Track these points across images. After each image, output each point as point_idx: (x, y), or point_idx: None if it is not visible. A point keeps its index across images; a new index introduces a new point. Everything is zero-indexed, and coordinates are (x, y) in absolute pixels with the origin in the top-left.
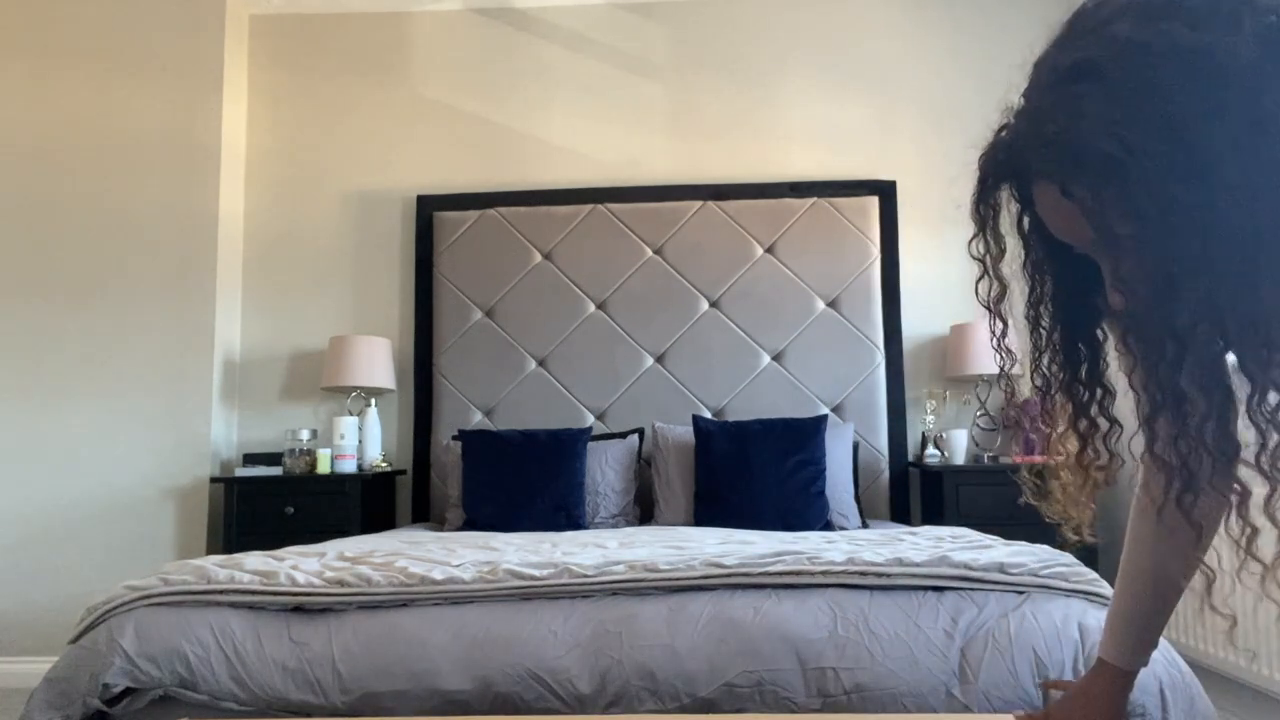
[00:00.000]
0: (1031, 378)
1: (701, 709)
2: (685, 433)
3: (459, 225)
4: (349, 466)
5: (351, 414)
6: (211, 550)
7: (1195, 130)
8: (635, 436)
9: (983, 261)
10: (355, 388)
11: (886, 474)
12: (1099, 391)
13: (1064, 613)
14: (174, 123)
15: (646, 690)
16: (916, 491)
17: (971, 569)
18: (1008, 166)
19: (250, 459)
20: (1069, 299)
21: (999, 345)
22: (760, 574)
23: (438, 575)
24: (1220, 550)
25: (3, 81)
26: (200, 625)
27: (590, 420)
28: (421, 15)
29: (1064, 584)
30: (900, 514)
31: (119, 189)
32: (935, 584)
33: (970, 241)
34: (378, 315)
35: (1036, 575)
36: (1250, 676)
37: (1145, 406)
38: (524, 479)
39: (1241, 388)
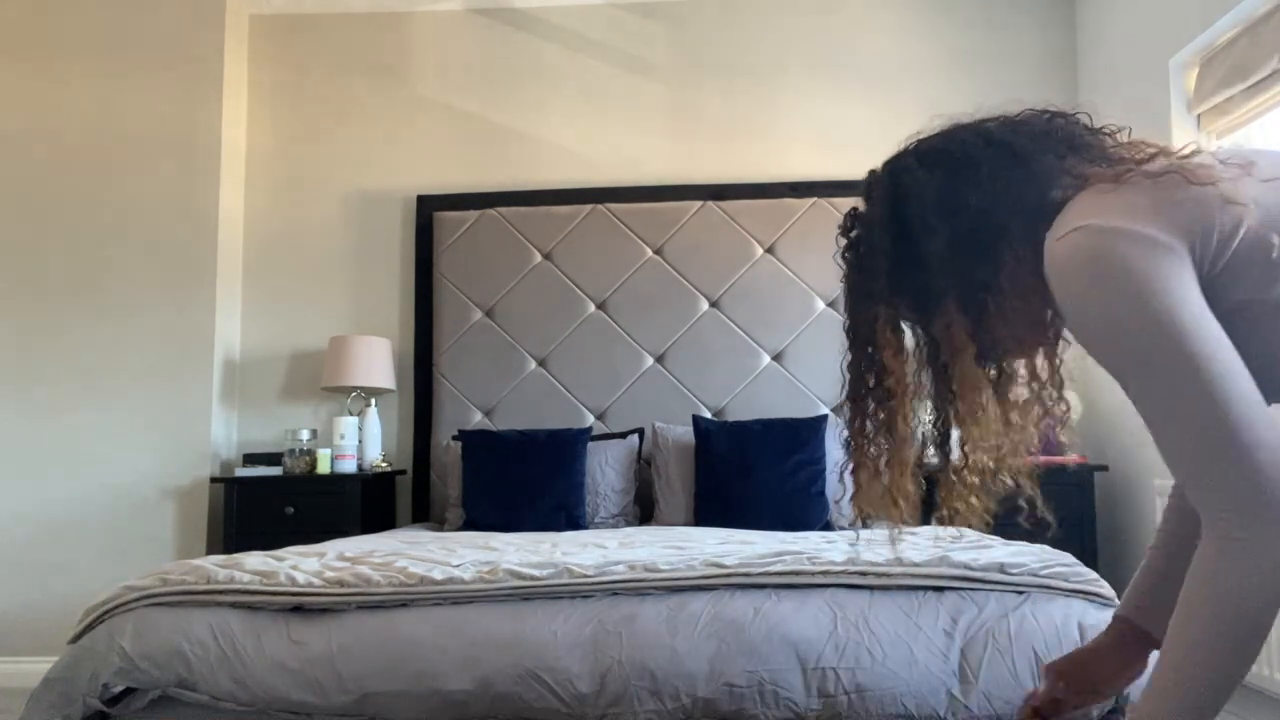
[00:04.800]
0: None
1: (702, 709)
2: (685, 433)
3: (459, 225)
4: (349, 466)
5: (351, 414)
6: (211, 550)
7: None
8: (635, 436)
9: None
10: (355, 388)
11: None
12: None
13: (1064, 613)
14: (174, 122)
15: (646, 690)
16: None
17: (971, 569)
18: None
19: (250, 459)
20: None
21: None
22: (760, 574)
23: (438, 575)
24: None
25: (3, 80)
26: (200, 625)
27: (590, 420)
28: (421, 15)
29: (1064, 584)
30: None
31: (119, 188)
32: (935, 584)
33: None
34: (378, 315)
35: (1036, 575)
36: (1250, 676)
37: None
38: (524, 479)
39: None
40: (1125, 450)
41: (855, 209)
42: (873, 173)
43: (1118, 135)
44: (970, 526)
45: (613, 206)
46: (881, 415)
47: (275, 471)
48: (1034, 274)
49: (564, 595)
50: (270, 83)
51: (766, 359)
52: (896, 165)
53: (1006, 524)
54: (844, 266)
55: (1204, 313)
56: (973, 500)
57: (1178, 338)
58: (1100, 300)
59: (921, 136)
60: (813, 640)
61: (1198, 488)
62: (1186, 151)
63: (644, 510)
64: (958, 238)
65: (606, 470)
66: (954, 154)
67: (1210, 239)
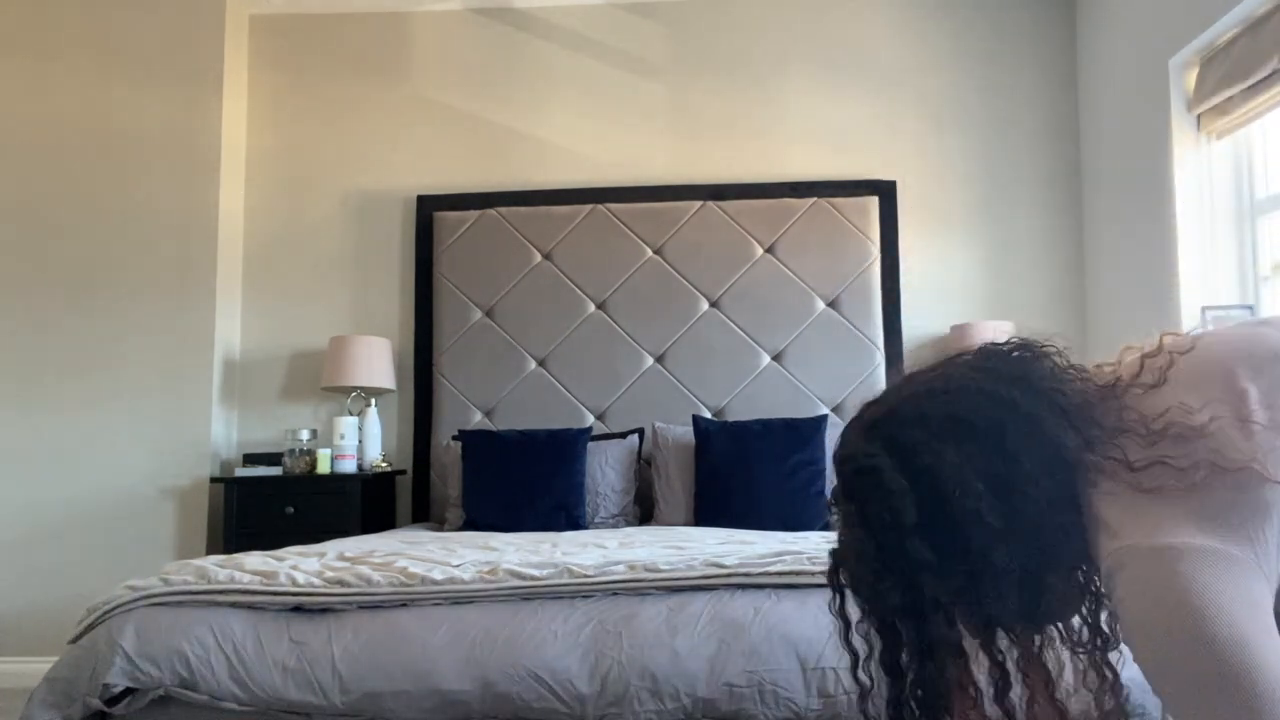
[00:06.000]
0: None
1: (702, 709)
2: (685, 433)
3: (459, 225)
4: (349, 466)
5: (351, 414)
6: (211, 550)
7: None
8: (635, 436)
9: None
10: (355, 388)
11: None
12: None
13: None
14: (174, 123)
15: (647, 690)
16: None
17: None
18: None
19: (250, 459)
20: None
21: None
22: (760, 574)
23: (438, 575)
24: None
25: (3, 81)
26: (200, 625)
27: (590, 420)
28: (421, 15)
29: None
30: None
31: (119, 189)
32: None
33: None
34: (378, 315)
35: None
36: None
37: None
38: (524, 479)
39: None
40: None
41: (853, 495)
42: (859, 458)
43: (1064, 356)
44: None
45: (613, 206)
46: None
47: (275, 471)
48: (1077, 551)
49: (564, 595)
50: (270, 83)
51: (766, 359)
52: (902, 441)
53: None
54: (853, 580)
55: (1268, 637)
56: None
57: (1248, 678)
58: (1161, 629)
59: (892, 404)
60: (813, 640)
61: None
62: (1153, 367)
63: (644, 510)
64: (1010, 516)
65: (606, 470)
66: (968, 420)
67: (1264, 532)
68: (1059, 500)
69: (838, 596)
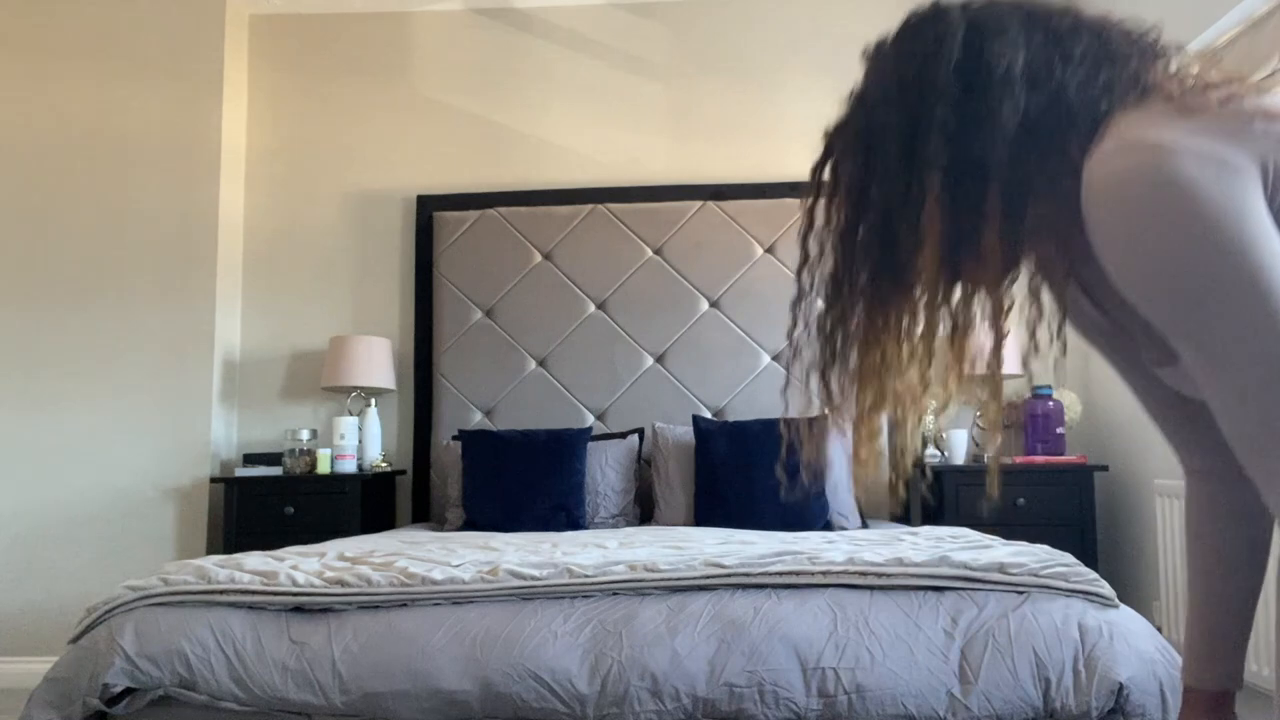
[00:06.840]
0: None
1: (702, 709)
2: (685, 433)
3: (459, 225)
4: (349, 466)
5: (351, 414)
6: (211, 550)
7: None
8: (635, 436)
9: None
10: (355, 388)
11: (886, 474)
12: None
13: (1064, 613)
14: (174, 123)
15: (647, 690)
16: (916, 491)
17: (971, 569)
18: None
19: (250, 459)
20: None
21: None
22: (760, 574)
23: (438, 575)
24: None
25: (3, 81)
26: (200, 625)
27: (590, 420)
28: (421, 15)
29: (1064, 584)
30: (900, 514)
31: (119, 189)
32: (935, 584)
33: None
34: (378, 315)
35: (1036, 575)
36: (1250, 676)
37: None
38: (524, 479)
39: None
40: (1125, 450)
41: (901, 44)
42: (935, 18)
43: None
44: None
45: (613, 206)
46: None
47: (275, 471)
48: (1072, 191)
49: (564, 595)
50: (270, 83)
51: (766, 359)
52: (984, 27)
53: (1010, 525)
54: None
55: (1275, 242)
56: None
57: (1259, 276)
58: (1159, 233)
59: None
60: (813, 640)
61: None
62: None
63: (644, 510)
64: (1028, 114)
65: (606, 470)
66: (1053, 19)
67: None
68: (1088, 118)
69: (811, 198)
